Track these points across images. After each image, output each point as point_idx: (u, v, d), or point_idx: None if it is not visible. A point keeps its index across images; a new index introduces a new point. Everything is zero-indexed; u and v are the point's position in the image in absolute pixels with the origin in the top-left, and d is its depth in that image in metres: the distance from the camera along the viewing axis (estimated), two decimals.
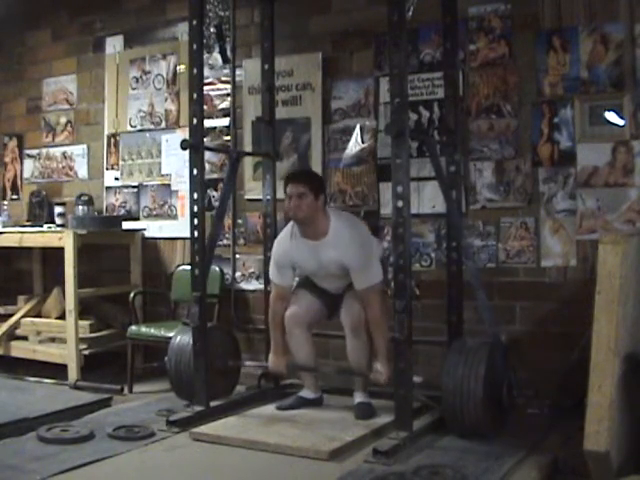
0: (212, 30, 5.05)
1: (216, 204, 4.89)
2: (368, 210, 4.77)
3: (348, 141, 4.84)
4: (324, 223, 3.83)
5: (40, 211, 5.94)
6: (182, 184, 5.36)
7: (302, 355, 4.03)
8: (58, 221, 5.63)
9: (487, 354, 3.59)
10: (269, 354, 4.15)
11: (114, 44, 5.84)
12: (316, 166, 4.90)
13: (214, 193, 5.26)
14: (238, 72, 5.24)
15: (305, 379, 4.14)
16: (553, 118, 4.28)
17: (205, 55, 4.33)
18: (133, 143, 5.75)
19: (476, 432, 3.54)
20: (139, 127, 5.72)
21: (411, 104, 4.13)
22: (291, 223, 3.95)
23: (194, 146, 3.92)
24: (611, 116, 4.13)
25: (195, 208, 3.96)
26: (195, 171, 3.95)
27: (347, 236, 3.79)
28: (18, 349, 5.45)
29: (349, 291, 3.92)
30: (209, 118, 5.09)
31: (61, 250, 5.03)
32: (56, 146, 6.16)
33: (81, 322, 5.12)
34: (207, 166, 4.84)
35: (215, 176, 5.26)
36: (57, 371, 5.04)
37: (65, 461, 3.23)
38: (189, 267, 4.14)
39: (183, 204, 5.41)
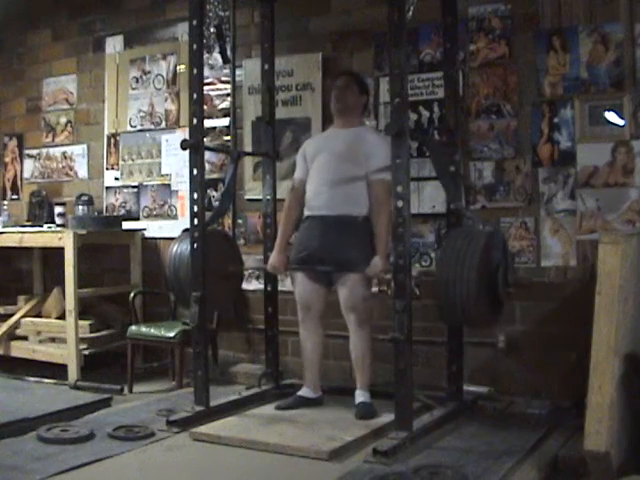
0: (212, 30, 5.05)
1: (216, 204, 4.91)
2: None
3: None
4: (359, 122, 4.12)
5: (40, 211, 5.94)
6: (182, 184, 5.37)
7: (310, 345, 4.08)
8: (58, 221, 5.63)
9: (486, 236, 3.60)
10: (272, 253, 4.19)
11: (114, 44, 5.84)
12: None
13: (214, 193, 5.26)
14: (238, 72, 5.24)
15: (306, 376, 4.14)
16: (553, 118, 4.28)
17: (205, 55, 4.33)
18: (133, 143, 5.75)
19: (467, 321, 3.53)
20: (139, 127, 5.72)
21: (411, 104, 4.13)
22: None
23: (194, 146, 3.92)
24: (611, 116, 4.13)
25: (195, 208, 3.96)
26: (195, 171, 3.95)
27: (374, 136, 4.03)
28: (18, 349, 5.45)
29: (343, 281, 3.90)
30: (209, 118, 5.09)
31: (61, 250, 5.03)
32: (56, 146, 6.17)
33: (81, 322, 5.11)
34: (207, 166, 4.84)
35: (215, 176, 5.26)
36: (57, 371, 5.04)
37: (65, 461, 3.23)
38: None
39: (183, 204, 5.41)
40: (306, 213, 4.08)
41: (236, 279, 4.47)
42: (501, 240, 3.75)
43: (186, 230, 4.17)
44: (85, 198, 5.56)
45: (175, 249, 4.21)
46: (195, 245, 3.97)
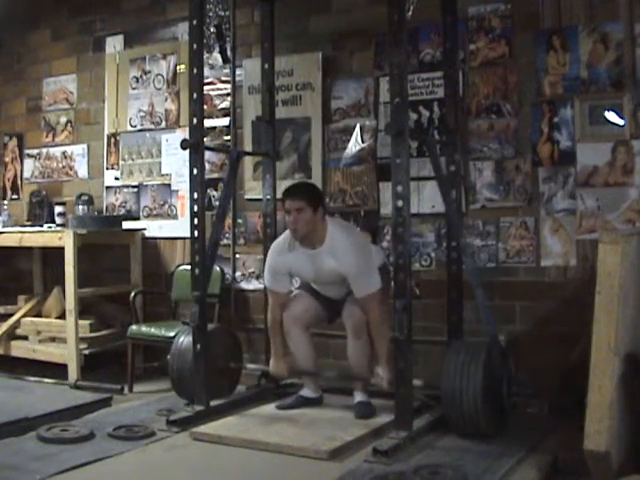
0: (212, 30, 5.05)
1: (216, 204, 4.92)
2: (368, 210, 4.77)
3: (348, 141, 4.84)
4: (322, 232, 3.82)
5: (40, 211, 5.94)
6: (182, 184, 5.37)
7: (301, 355, 4.04)
8: (58, 221, 5.63)
9: (485, 353, 3.60)
10: (270, 359, 4.14)
11: (114, 44, 5.84)
12: (316, 166, 4.91)
13: (214, 193, 5.26)
14: (238, 72, 5.24)
15: (305, 378, 4.14)
16: (553, 118, 4.28)
17: (205, 55, 4.33)
18: (133, 143, 5.75)
19: (476, 431, 3.54)
20: (139, 127, 5.73)
21: (411, 104, 4.13)
22: (287, 237, 3.93)
23: (194, 146, 3.92)
24: (611, 116, 4.13)
25: (195, 208, 3.96)
26: (195, 171, 3.95)
27: (344, 244, 3.77)
28: (18, 349, 5.45)
29: (351, 295, 3.91)
30: (209, 118, 5.09)
31: (61, 250, 5.03)
32: (56, 146, 6.17)
33: (81, 322, 5.12)
34: (207, 166, 4.84)
35: (215, 176, 5.26)
36: (57, 371, 5.05)
37: (65, 461, 3.23)
38: (189, 267, 4.14)
39: (183, 204, 5.41)
40: None
41: (236, 373, 4.47)
42: (501, 350, 3.77)
43: (185, 324, 4.19)
44: (85, 198, 5.57)
45: (179, 343, 4.21)
46: (196, 246, 3.97)
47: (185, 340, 4.17)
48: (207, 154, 4.46)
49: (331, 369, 4.25)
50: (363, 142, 4.79)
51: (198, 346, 3.97)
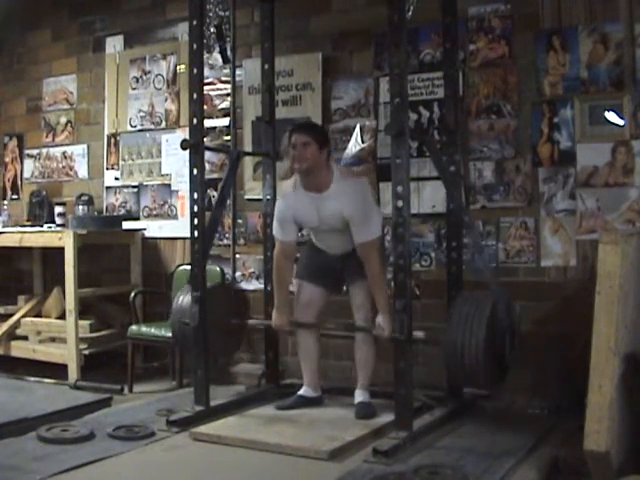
0: (212, 30, 5.05)
1: None
2: None
3: (348, 141, 4.83)
4: (327, 176, 3.81)
5: (40, 211, 5.94)
6: (182, 184, 5.37)
7: (306, 345, 4.08)
8: (58, 221, 5.63)
9: (491, 306, 3.61)
10: (273, 311, 4.15)
11: (114, 44, 5.84)
12: None
13: (214, 193, 5.25)
14: (238, 72, 5.24)
15: (305, 376, 4.14)
16: (553, 118, 4.28)
17: (205, 55, 4.32)
18: (133, 143, 5.75)
19: (474, 378, 3.54)
20: (139, 127, 5.72)
21: (411, 104, 4.13)
22: (294, 177, 3.95)
23: (194, 146, 3.92)
24: (611, 116, 4.13)
25: (195, 208, 3.96)
26: (195, 171, 3.95)
27: (349, 189, 3.79)
28: (18, 349, 5.45)
29: (356, 285, 3.92)
30: (209, 118, 5.09)
31: (61, 250, 5.03)
32: (56, 146, 6.16)
33: (81, 322, 5.11)
34: (207, 166, 4.83)
35: (215, 176, 5.25)
36: (57, 371, 5.04)
37: (65, 461, 3.23)
38: (189, 267, 4.14)
39: (183, 204, 5.41)
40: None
41: (240, 332, 4.48)
42: (507, 303, 3.76)
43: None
44: (85, 198, 5.57)
45: (180, 300, 4.22)
46: (196, 247, 3.97)
47: (185, 298, 4.16)
48: (207, 154, 4.46)
49: (332, 322, 4.18)
50: (363, 142, 4.79)
51: (198, 345, 3.97)
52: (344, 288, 4.14)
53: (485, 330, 3.51)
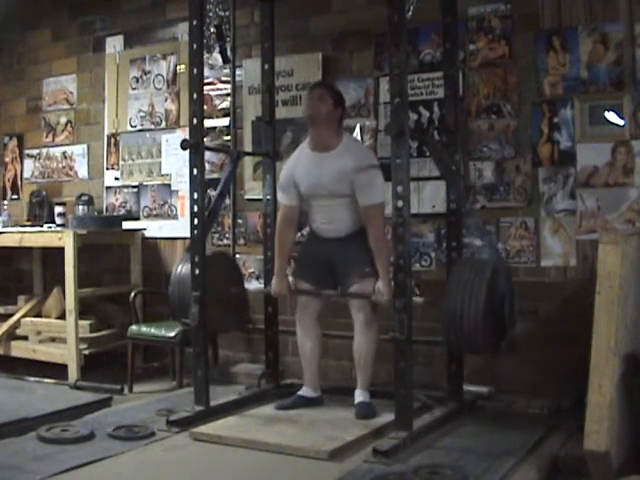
0: (212, 30, 5.05)
1: None
2: None
3: None
4: (336, 137, 3.91)
5: (40, 211, 5.95)
6: (182, 184, 5.37)
7: (307, 345, 4.07)
8: (58, 221, 5.63)
9: (490, 272, 3.60)
10: (272, 278, 4.16)
11: (114, 44, 5.84)
12: None
13: (214, 193, 5.25)
14: (238, 72, 5.24)
15: (305, 376, 4.14)
16: (553, 118, 4.28)
17: (205, 55, 4.32)
18: (133, 143, 5.75)
19: (473, 342, 3.54)
20: (139, 127, 5.73)
21: (411, 104, 4.13)
22: (303, 143, 4.04)
23: (194, 146, 3.92)
24: (611, 116, 4.13)
25: (195, 208, 3.96)
26: (195, 171, 3.95)
27: (356, 149, 3.92)
28: (18, 349, 5.45)
29: (352, 281, 3.90)
30: (209, 118, 5.09)
31: (61, 250, 5.03)
32: (56, 146, 6.17)
33: (81, 322, 5.12)
34: (207, 166, 4.83)
35: (215, 176, 5.24)
36: (57, 371, 5.05)
37: (65, 461, 3.23)
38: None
39: (183, 204, 5.41)
40: (312, 229, 4.11)
41: (238, 302, 4.45)
42: (506, 270, 3.76)
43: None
44: (85, 198, 5.57)
45: (179, 270, 4.22)
46: (195, 246, 3.97)
47: (183, 268, 4.16)
48: (207, 154, 4.46)
49: (330, 290, 4.09)
50: (363, 142, 4.79)
51: (198, 346, 3.97)
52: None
53: (485, 294, 3.49)
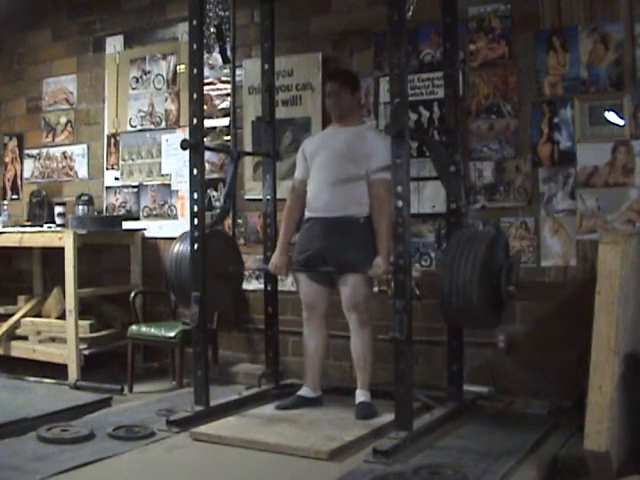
0: (212, 30, 5.04)
1: (216, 204, 4.92)
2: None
3: None
4: (357, 120, 4.14)
5: (40, 211, 5.95)
6: (182, 184, 5.37)
7: (313, 344, 4.08)
8: (58, 221, 5.64)
9: (489, 237, 3.61)
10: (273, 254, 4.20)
11: (114, 44, 5.85)
12: None
13: (214, 193, 5.26)
14: (238, 72, 5.24)
15: (306, 375, 4.13)
16: (553, 118, 4.28)
17: (205, 55, 4.33)
18: (133, 143, 5.75)
19: (469, 323, 3.52)
20: (139, 127, 5.73)
21: (411, 104, 4.13)
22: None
23: (194, 146, 3.92)
24: (611, 116, 4.13)
25: (195, 208, 3.96)
26: (195, 171, 3.95)
27: (374, 132, 4.19)
28: (18, 349, 5.45)
29: (345, 281, 3.91)
30: (209, 118, 5.09)
31: (61, 250, 5.03)
32: (56, 146, 6.17)
33: (81, 322, 5.12)
34: (207, 166, 4.84)
35: (215, 176, 5.26)
36: (57, 371, 5.05)
37: (65, 461, 3.23)
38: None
39: (183, 204, 5.41)
40: (307, 215, 4.08)
41: (236, 279, 4.47)
42: (504, 241, 3.76)
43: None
44: (85, 198, 5.57)
45: (176, 249, 4.21)
46: (195, 246, 3.97)
47: (181, 247, 4.17)
48: (207, 154, 4.46)
49: (327, 266, 4.06)
50: None
51: (198, 347, 3.97)
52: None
53: (480, 267, 3.47)
